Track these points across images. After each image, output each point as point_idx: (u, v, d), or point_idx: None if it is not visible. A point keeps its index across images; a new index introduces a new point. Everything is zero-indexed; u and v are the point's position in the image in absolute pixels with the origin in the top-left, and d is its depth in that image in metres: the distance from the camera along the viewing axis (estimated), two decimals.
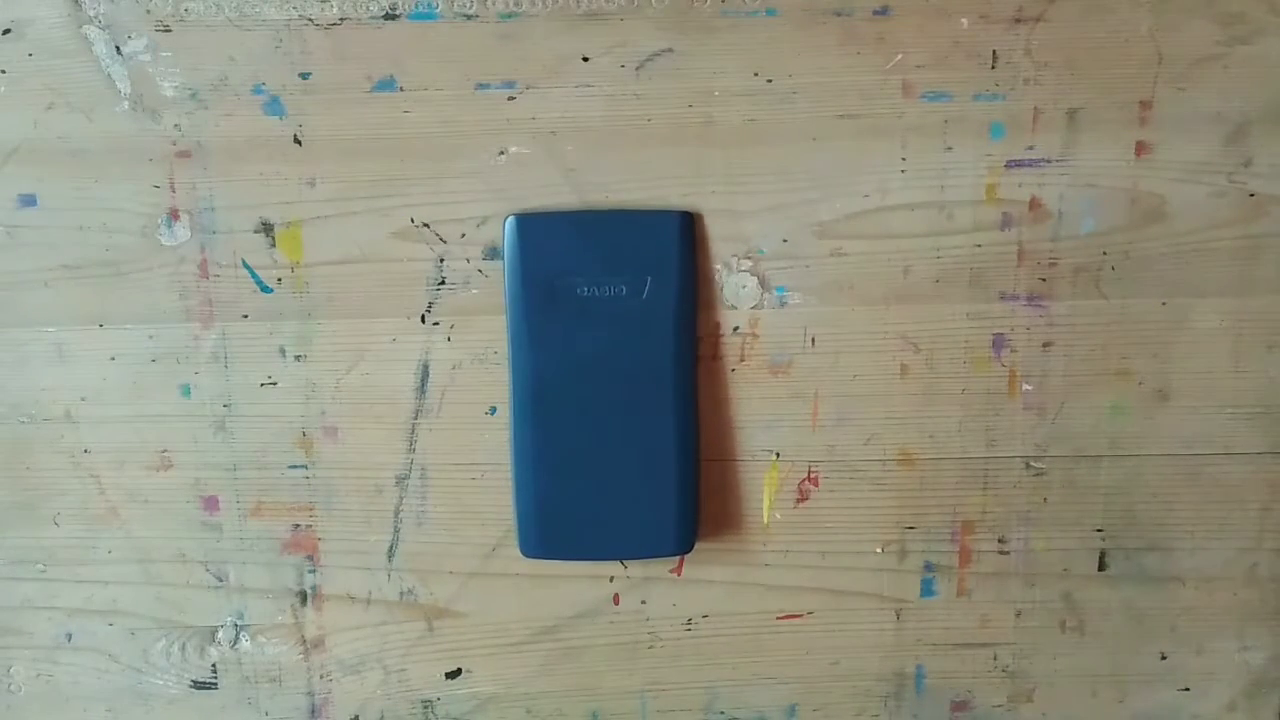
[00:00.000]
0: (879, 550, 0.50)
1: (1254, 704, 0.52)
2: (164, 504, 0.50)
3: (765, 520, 0.50)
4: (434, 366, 0.48)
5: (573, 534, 0.48)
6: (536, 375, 0.47)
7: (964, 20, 0.46)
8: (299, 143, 0.46)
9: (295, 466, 0.49)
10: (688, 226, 0.46)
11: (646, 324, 0.46)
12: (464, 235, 0.47)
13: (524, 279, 0.46)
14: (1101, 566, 0.51)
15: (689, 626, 0.51)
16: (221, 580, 0.50)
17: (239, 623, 0.51)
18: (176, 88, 0.46)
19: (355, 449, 0.49)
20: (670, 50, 0.46)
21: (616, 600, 0.51)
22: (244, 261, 0.47)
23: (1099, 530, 0.50)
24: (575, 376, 0.46)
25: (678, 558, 0.50)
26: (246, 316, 0.48)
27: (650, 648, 0.51)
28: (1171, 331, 0.48)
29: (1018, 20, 0.46)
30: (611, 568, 0.50)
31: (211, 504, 0.50)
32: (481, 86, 0.46)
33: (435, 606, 0.51)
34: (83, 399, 0.49)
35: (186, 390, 0.49)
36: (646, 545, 0.49)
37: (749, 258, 0.48)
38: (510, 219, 0.46)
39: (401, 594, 0.51)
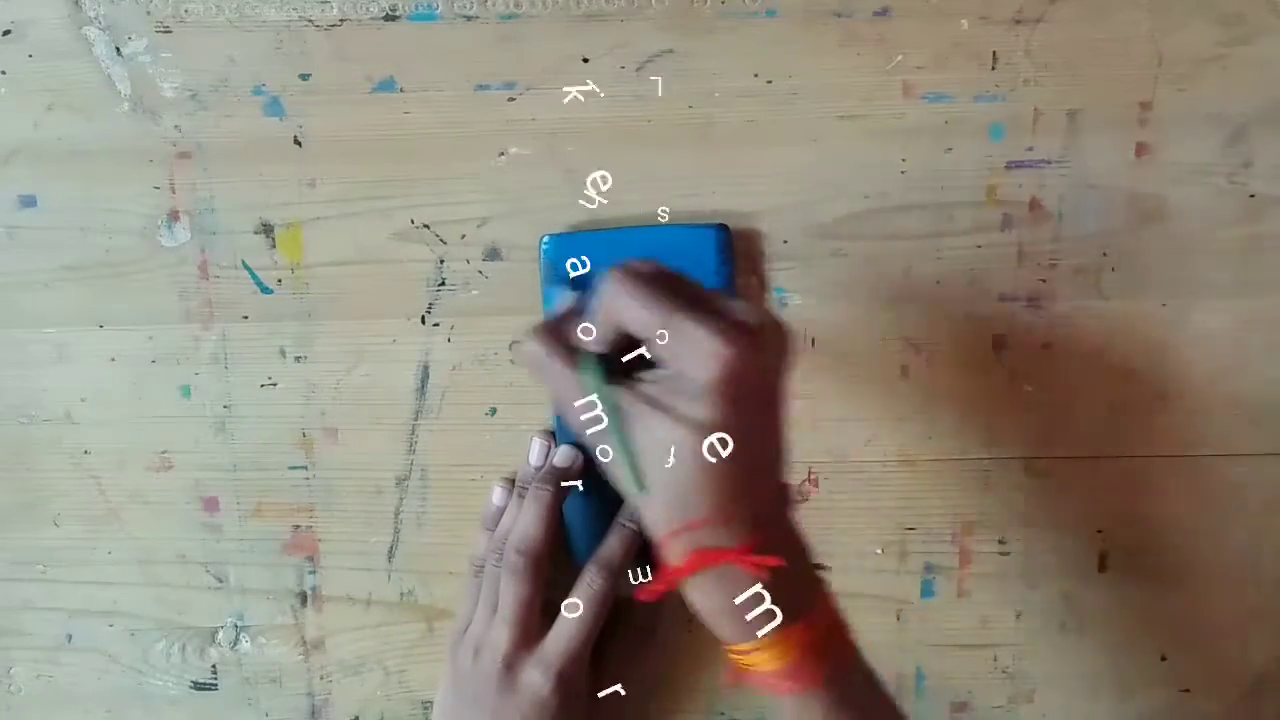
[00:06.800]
0: (879, 551, 0.50)
1: (1254, 705, 0.52)
2: (164, 505, 0.50)
3: None
4: (434, 367, 0.48)
5: None
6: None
7: (964, 21, 0.46)
8: (299, 143, 0.46)
9: (295, 467, 0.49)
10: (725, 240, 0.46)
11: None
12: (464, 236, 0.47)
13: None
14: (1101, 567, 0.51)
15: (689, 626, 0.51)
16: (222, 581, 0.50)
17: (239, 624, 0.51)
18: (176, 88, 0.46)
19: (355, 450, 0.49)
20: (670, 51, 0.46)
21: None
22: (244, 262, 0.47)
23: (1099, 530, 0.50)
24: None
25: None
26: (247, 317, 0.48)
27: None
28: (1171, 331, 0.48)
29: (1018, 21, 0.46)
30: None
31: (212, 504, 0.50)
32: (481, 87, 0.46)
33: (435, 607, 0.51)
34: (83, 399, 0.49)
35: (186, 391, 0.49)
36: None
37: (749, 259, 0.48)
38: (547, 239, 0.46)
39: (401, 595, 0.51)
